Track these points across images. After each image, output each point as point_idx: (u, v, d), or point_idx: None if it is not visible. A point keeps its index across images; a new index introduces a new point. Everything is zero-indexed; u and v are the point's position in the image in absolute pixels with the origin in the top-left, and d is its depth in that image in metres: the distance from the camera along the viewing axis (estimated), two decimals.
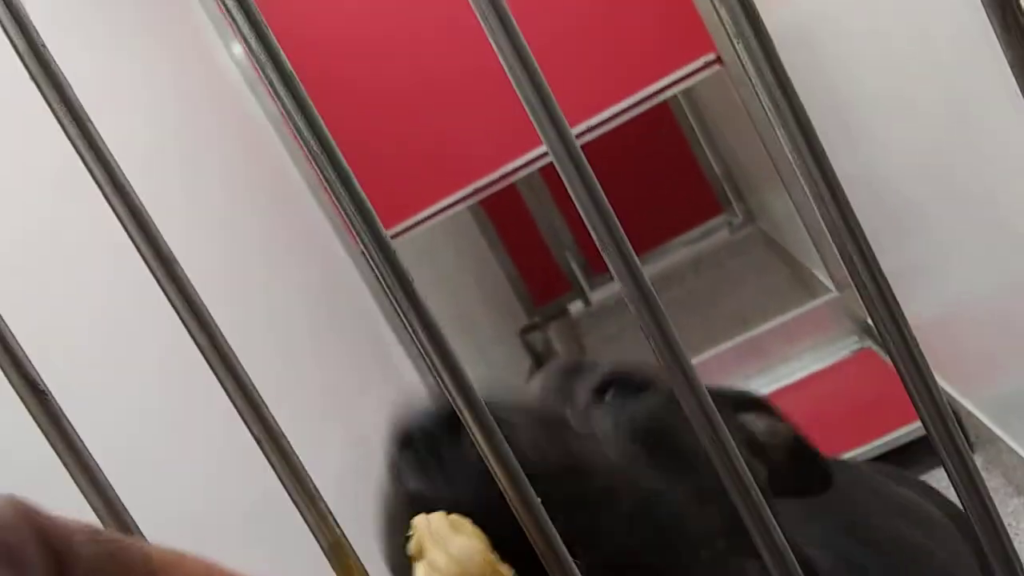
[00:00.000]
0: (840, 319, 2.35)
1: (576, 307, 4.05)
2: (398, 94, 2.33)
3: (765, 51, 0.25)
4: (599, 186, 0.28)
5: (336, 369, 2.03)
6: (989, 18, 0.21)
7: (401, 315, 0.29)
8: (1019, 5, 0.21)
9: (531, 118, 0.28)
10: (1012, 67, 0.22)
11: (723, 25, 0.27)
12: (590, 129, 2.25)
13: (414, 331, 0.28)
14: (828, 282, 2.41)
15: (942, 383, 1.86)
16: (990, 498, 0.28)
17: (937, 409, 0.29)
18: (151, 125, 1.71)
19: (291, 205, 2.26)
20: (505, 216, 4.12)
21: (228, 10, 0.27)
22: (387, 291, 0.29)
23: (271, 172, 2.23)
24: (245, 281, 1.79)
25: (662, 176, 4.04)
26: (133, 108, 1.66)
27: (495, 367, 3.36)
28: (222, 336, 0.29)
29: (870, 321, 0.30)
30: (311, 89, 0.28)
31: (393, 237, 2.59)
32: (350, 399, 2.01)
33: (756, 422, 0.65)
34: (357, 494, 1.75)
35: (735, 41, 0.25)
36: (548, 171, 3.88)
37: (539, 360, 3.64)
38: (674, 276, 3.84)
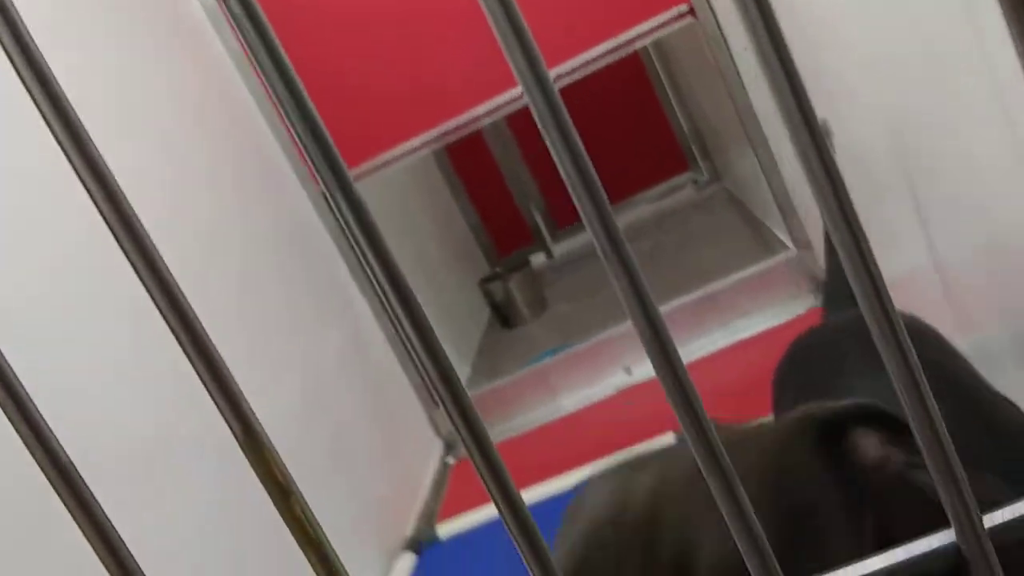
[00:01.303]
0: (798, 277, 2.38)
1: (538, 259, 4.04)
2: (370, 28, 2.27)
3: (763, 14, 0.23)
4: (575, 132, 0.27)
5: (293, 308, 2.00)
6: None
7: (374, 283, 0.27)
8: None
9: (506, 55, 0.26)
10: (1016, 43, 0.21)
11: None
12: (558, 77, 2.22)
13: (389, 305, 0.27)
14: (788, 241, 2.44)
15: None
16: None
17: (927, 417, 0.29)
18: (106, 62, 1.65)
19: (249, 140, 2.21)
20: (470, 166, 4.08)
21: None
22: (357, 254, 0.28)
23: (229, 109, 2.17)
24: (196, 218, 1.75)
25: (630, 130, 4.02)
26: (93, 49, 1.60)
27: (454, 315, 3.36)
28: (206, 335, 0.27)
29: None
30: (274, 19, 0.26)
31: (356, 179, 2.56)
32: (307, 337, 1.99)
33: (867, 442, 0.53)
34: (310, 430, 1.74)
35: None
36: (515, 122, 3.83)
37: (498, 309, 3.64)
38: (638, 231, 3.84)
